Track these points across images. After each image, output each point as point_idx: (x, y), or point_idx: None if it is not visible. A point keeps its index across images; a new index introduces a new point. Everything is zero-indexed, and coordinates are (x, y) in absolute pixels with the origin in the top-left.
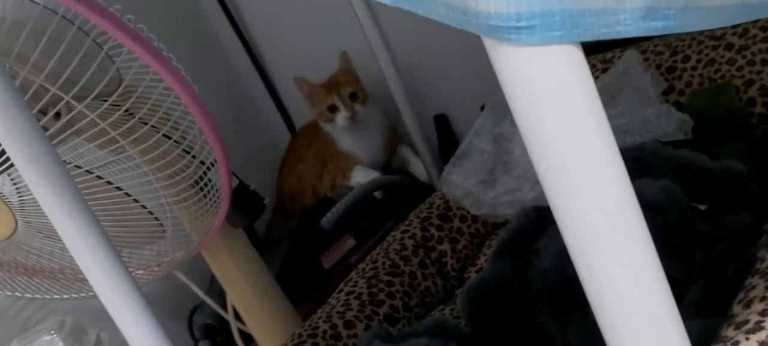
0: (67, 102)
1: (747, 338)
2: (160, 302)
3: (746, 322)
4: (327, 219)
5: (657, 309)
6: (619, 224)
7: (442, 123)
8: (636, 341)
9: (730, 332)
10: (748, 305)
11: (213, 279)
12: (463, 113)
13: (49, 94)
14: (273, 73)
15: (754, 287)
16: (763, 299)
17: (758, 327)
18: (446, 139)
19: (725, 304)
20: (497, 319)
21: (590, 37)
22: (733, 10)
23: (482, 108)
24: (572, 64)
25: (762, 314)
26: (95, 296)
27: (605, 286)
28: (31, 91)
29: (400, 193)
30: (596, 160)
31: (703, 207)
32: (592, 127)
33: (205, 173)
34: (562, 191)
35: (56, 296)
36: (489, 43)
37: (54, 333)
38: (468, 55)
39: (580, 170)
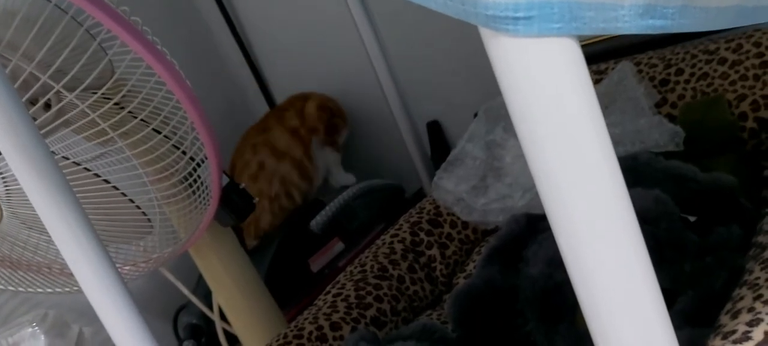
0: (57, 92)
1: None
2: (146, 302)
3: (734, 332)
4: (316, 222)
5: (648, 313)
6: (611, 218)
7: (435, 130)
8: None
9: (717, 342)
10: (735, 315)
11: (200, 279)
12: (456, 121)
13: (39, 83)
14: (267, 74)
15: (742, 298)
16: (750, 309)
17: (745, 337)
18: (438, 146)
19: (713, 314)
20: (484, 325)
21: (588, 32)
22: (731, 14)
23: (475, 115)
24: (569, 58)
25: (749, 324)
26: (80, 291)
27: (595, 281)
28: (20, 80)
29: (391, 199)
30: (590, 156)
31: (692, 218)
32: (587, 122)
33: (194, 169)
34: (555, 186)
35: (40, 290)
36: (486, 34)
37: (36, 326)
38: (462, 64)
39: (573, 165)
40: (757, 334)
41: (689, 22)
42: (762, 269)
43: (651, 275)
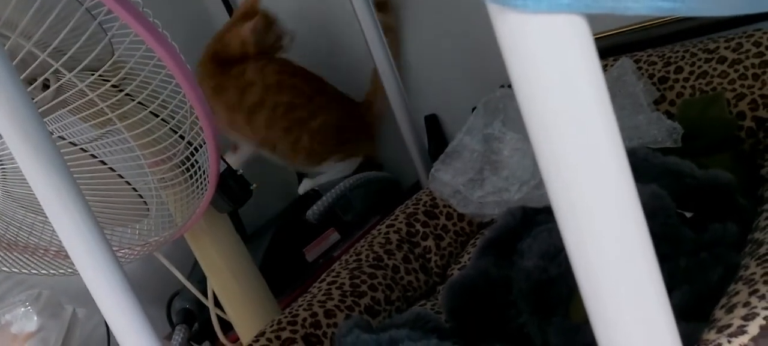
0: (55, 72)
1: (730, 341)
2: (140, 287)
3: (729, 325)
4: (312, 212)
5: (650, 301)
6: (616, 199)
7: (433, 123)
8: (628, 335)
9: (712, 336)
10: (730, 310)
11: (195, 265)
12: (454, 115)
13: (37, 62)
14: None
15: (737, 293)
16: (746, 304)
17: (741, 331)
18: (436, 139)
19: (708, 310)
20: (478, 316)
21: (598, 10)
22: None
23: (473, 110)
24: (579, 36)
25: (745, 318)
26: (74, 274)
27: (598, 262)
28: (18, 58)
29: (388, 191)
30: (596, 137)
31: (688, 214)
32: (594, 102)
33: (192, 154)
34: (560, 167)
35: (35, 272)
36: (493, 10)
37: (29, 305)
38: (461, 59)
39: (579, 146)
40: (753, 328)
41: (699, 5)
42: (758, 265)
43: (653, 260)
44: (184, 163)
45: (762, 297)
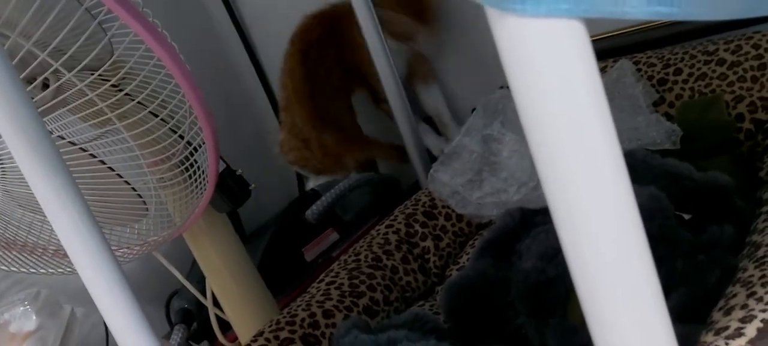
0: (55, 72)
1: (727, 344)
2: (138, 286)
3: (726, 328)
4: (311, 211)
5: (647, 305)
6: (613, 204)
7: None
8: (624, 336)
9: (709, 338)
10: (728, 312)
11: (193, 264)
12: (454, 115)
13: (37, 61)
14: (266, 64)
15: (734, 295)
16: (743, 306)
17: (738, 333)
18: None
19: (705, 312)
20: (476, 316)
21: (596, 14)
22: (739, 3)
23: (473, 111)
24: (577, 40)
25: (742, 320)
26: (73, 273)
27: (595, 263)
28: (18, 58)
29: (387, 191)
30: (593, 141)
31: (687, 216)
32: (592, 107)
33: (191, 154)
34: (557, 170)
35: (33, 271)
36: (492, 14)
37: (27, 305)
38: (460, 60)
39: (577, 150)
40: (750, 330)
41: (696, 10)
42: (756, 267)
43: (650, 262)
44: (183, 163)
45: (759, 300)
